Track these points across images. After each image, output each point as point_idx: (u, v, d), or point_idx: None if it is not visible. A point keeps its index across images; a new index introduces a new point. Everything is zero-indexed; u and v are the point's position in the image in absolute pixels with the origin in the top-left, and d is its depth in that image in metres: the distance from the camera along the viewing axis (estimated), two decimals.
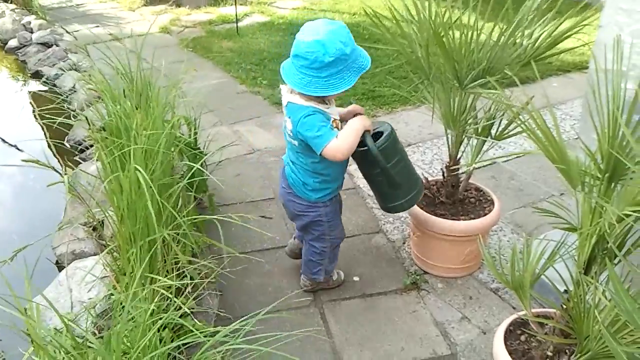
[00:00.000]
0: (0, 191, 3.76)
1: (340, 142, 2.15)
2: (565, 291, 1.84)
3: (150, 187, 1.83)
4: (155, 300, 1.99)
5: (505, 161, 3.73)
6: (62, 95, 4.30)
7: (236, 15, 5.95)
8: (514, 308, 2.54)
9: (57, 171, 2.08)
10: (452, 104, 2.46)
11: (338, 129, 2.22)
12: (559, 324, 1.85)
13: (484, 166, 3.64)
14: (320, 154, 2.16)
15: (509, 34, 2.18)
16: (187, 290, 2.28)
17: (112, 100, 2.37)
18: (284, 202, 2.50)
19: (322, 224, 2.43)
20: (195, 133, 3.06)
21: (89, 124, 2.36)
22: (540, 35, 2.22)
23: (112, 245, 2.13)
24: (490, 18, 2.35)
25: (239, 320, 1.78)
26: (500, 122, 2.56)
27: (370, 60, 2.19)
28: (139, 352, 1.68)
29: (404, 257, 2.89)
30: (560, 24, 2.26)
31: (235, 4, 6.02)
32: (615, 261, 1.66)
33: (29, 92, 4.95)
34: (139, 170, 1.77)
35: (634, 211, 1.56)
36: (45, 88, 4.75)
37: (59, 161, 3.40)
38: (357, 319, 2.53)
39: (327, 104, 2.23)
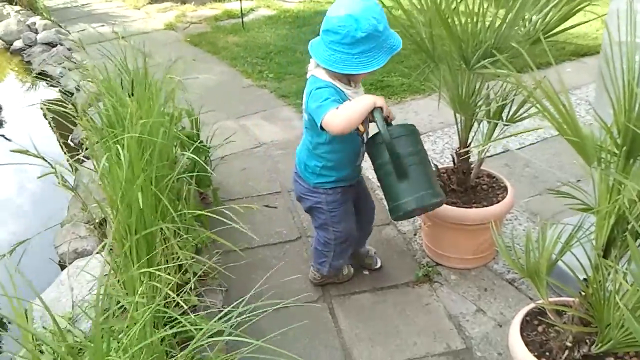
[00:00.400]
0: (4, 189, 3.71)
1: (338, 111, 2.01)
2: (585, 279, 1.74)
3: (145, 178, 1.75)
4: (156, 297, 1.92)
5: (519, 148, 3.61)
6: (67, 94, 4.26)
7: (241, 9, 5.87)
8: (531, 299, 2.43)
9: (48, 162, 2.01)
10: (460, 86, 2.35)
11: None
12: (579, 312, 1.74)
13: (497, 154, 3.53)
14: (320, 126, 2.04)
15: (516, 9, 2.07)
16: (189, 286, 2.21)
17: (108, 92, 2.30)
18: (293, 182, 2.43)
19: (324, 212, 2.33)
20: (197, 126, 2.98)
21: (80, 117, 2.29)
22: (549, 10, 2.11)
23: (107, 240, 2.06)
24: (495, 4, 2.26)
25: (237, 310, 1.70)
26: (511, 105, 2.46)
27: (401, 41, 2.07)
28: (138, 350, 1.61)
29: (415, 248, 2.79)
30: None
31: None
32: (638, 242, 1.55)
33: (34, 91, 4.91)
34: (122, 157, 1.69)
35: None
36: (50, 88, 4.71)
37: (67, 160, 3.35)
38: (368, 313, 2.44)
39: (352, 86, 2.12)
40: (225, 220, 2.17)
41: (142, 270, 1.87)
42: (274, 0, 6.54)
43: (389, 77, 4.47)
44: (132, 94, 2.36)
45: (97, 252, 2.47)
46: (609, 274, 1.61)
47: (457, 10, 2.25)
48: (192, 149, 2.75)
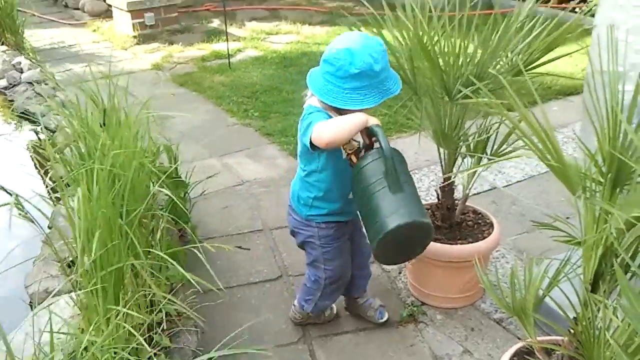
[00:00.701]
0: None
1: (328, 123, 1.97)
2: (575, 318, 1.66)
3: (114, 212, 1.67)
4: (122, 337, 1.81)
5: (505, 186, 3.56)
6: (49, 132, 4.20)
7: (228, 50, 5.88)
8: (519, 339, 2.33)
9: (7, 192, 1.92)
10: (442, 119, 2.31)
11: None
12: (568, 350, 1.66)
13: (483, 191, 3.48)
14: (310, 143, 1.98)
15: (497, 40, 2.04)
16: (161, 327, 2.10)
17: (81, 127, 2.23)
18: (287, 215, 2.36)
19: (315, 248, 2.25)
20: (176, 162, 2.91)
21: (52, 155, 2.22)
22: (532, 39, 2.08)
23: (72, 277, 1.96)
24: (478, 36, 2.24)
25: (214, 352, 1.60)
26: (495, 139, 2.42)
27: (400, 86, 2.03)
28: None
29: (400, 287, 2.70)
30: (552, 31, 2.13)
31: (227, 40, 5.96)
32: (628, 277, 1.48)
33: (17, 130, 4.85)
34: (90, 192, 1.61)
35: None
36: (33, 126, 4.65)
37: (51, 198, 3.26)
38: (350, 355, 2.33)
39: None
40: (202, 258, 2.08)
41: (110, 307, 1.77)
42: (261, 42, 6.56)
43: (374, 115, 4.44)
44: (104, 124, 2.29)
45: (67, 292, 2.36)
46: (598, 310, 1.53)
47: (440, 44, 2.22)
48: (169, 184, 2.69)
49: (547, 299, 1.79)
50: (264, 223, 3.22)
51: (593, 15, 2.04)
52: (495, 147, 2.41)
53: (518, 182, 3.60)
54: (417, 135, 4.18)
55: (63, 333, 1.92)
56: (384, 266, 2.83)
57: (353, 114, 1.99)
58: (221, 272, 2.76)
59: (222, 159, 3.93)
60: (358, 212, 2.13)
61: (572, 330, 1.65)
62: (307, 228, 2.25)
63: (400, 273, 2.78)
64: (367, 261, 2.46)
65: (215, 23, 7.44)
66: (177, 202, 2.45)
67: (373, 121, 1.99)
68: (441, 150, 2.44)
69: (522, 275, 1.77)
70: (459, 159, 2.48)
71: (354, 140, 2.10)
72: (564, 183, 1.49)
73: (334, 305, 2.51)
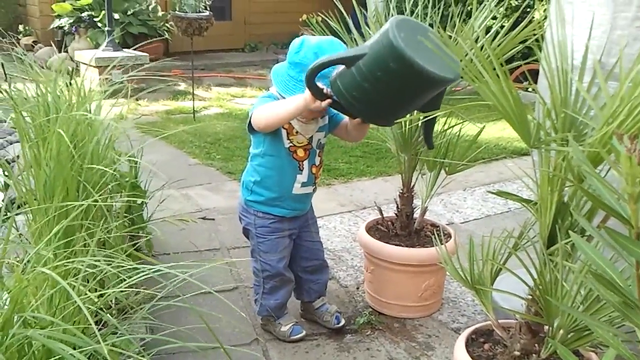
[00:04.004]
0: None
1: (267, 105, 2.05)
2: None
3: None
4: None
5: (462, 222, 3.61)
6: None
7: (193, 106, 5.98)
8: None
9: None
10: (402, 123, 2.37)
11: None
12: (528, 315, 1.64)
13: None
14: (249, 125, 2.09)
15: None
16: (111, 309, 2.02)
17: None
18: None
19: (253, 237, 2.27)
20: (137, 170, 2.89)
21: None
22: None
23: None
24: None
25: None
26: (455, 148, 2.48)
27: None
28: None
29: (358, 300, 2.65)
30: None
31: (193, 98, 6.06)
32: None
33: None
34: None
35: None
36: None
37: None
38: (304, 356, 2.25)
39: (303, 121, 2.12)
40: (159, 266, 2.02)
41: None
42: (227, 102, 6.68)
43: (336, 163, 4.52)
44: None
45: None
46: (555, 265, 1.54)
47: None
48: (126, 187, 2.65)
49: (503, 278, 1.81)
50: (222, 243, 3.17)
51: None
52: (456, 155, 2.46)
53: (475, 219, 3.65)
54: (376, 179, 4.28)
55: None
56: (341, 282, 2.80)
57: (292, 97, 2.01)
58: (174, 281, 2.67)
59: (182, 190, 3.90)
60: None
61: (531, 296, 1.65)
62: (247, 215, 2.27)
63: (358, 289, 2.75)
64: (321, 267, 2.43)
65: (182, 86, 7.58)
66: (137, 208, 2.43)
67: (314, 105, 1.92)
68: (401, 156, 2.49)
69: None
70: (418, 168, 2.54)
71: (301, 135, 2.15)
72: (521, 135, 1.54)
73: (303, 330, 2.37)
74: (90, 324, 1.27)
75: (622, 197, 1.02)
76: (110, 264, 1.86)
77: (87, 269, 1.55)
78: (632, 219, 0.98)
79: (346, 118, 2.17)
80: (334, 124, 2.25)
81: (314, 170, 2.23)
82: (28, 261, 1.54)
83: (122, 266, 2.18)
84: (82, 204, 1.79)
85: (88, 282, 2.03)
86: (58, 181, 1.98)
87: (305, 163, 2.20)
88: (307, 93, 1.92)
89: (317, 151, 2.23)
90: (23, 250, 1.85)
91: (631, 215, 0.97)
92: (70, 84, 2.66)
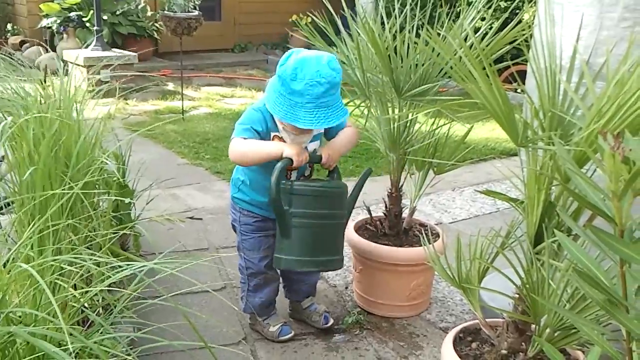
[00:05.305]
0: None
1: (242, 143, 2.03)
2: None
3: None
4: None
5: (451, 222, 3.62)
6: None
7: (182, 106, 5.96)
8: None
9: None
10: (391, 122, 2.37)
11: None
12: (515, 313, 1.65)
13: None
14: None
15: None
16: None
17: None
18: None
19: (238, 234, 2.28)
20: (124, 169, 2.87)
21: None
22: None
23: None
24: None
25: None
26: (444, 147, 2.48)
27: (309, 124, 1.97)
28: None
29: (346, 300, 2.65)
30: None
31: (182, 98, 6.04)
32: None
33: None
34: None
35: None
36: None
37: None
38: (293, 355, 2.25)
39: (295, 133, 2.08)
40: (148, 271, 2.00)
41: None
42: (216, 102, 6.66)
43: None
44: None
45: None
46: (542, 264, 1.54)
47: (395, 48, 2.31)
48: (113, 185, 2.64)
49: (491, 277, 1.82)
50: (210, 243, 3.16)
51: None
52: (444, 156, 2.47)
53: (464, 219, 3.66)
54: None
55: None
56: (330, 282, 2.79)
57: (270, 143, 2.05)
58: (162, 282, 2.66)
59: (171, 190, 3.88)
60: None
61: (518, 294, 1.66)
62: (233, 210, 2.29)
63: (346, 288, 2.75)
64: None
65: (171, 86, 7.55)
66: (125, 206, 2.41)
67: (289, 152, 2.00)
68: (390, 156, 2.49)
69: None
70: (407, 168, 2.54)
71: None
72: (509, 133, 1.55)
73: (291, 330, 2.36)
74: (75, 322, 1.26)
75: (607, 196, 1.02)
76: (95, 262, 1.85)
77: (70, 267, 1.53)
78: (616, 217, 0.98)
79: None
80: (330, 137, 2.24)
81: (301, 179, 2.21)
82: (11, 258, 1.53)
83: (107, 264, 2.18)
84: (64, 194, 1.77)
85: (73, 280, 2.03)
86: (40, 178, 1.96)
87: (294, 173, 2.19)
88: (286, 146, 2.02)
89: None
90: (7, 248, 1.84)
91: (615, 212, 0.98)
92: (53, 82, 2.63)
